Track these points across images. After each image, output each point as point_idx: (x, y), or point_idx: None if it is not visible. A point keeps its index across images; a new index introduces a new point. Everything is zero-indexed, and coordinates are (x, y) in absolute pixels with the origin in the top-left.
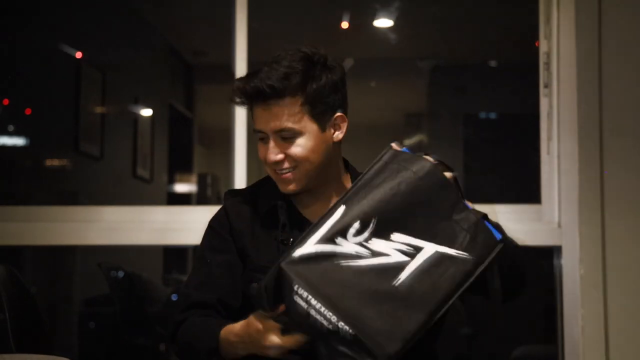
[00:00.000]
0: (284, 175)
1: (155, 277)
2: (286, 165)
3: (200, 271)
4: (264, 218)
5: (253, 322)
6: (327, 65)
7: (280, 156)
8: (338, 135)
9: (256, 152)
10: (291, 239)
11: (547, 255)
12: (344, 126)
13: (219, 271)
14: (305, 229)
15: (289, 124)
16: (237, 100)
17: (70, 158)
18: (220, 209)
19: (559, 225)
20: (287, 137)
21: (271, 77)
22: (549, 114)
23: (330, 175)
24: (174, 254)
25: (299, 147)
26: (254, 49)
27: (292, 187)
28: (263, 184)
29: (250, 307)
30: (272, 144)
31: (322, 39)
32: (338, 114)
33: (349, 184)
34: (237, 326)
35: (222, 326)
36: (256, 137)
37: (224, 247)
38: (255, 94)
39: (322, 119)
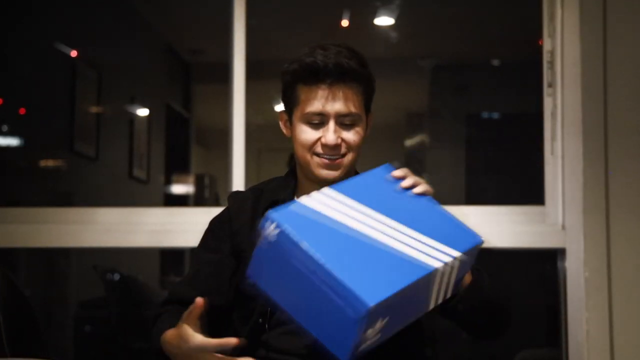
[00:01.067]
0: (336, 161)
1: (152, 280)
2: (341, 151)
3: (190, 269)
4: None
5: (179, 327)
6: None
7: (339, 140)
8: (367, 132)
9: (254, 153)
10: None
11: (550, 258)
12: (370, 126)
13: (206, 269)
14: None
15: (356, 110)
16: (297, 75)
17: (65, 158)
18: (224, 209)
19: (563, 227)
20: (348, 123)
21: (348, 57)
22: (553, 114)
23: (349, 173)
24: (170, 257)
25: (356, 133)
26: (253, 47)
27: (338, 174)
28: (269, 183)
29: (243, 306)
30: (332, 127)
31: (321, 37)
32: (371, 112)
33: None
34: (171, 330)
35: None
36: (301, 119)
37: (217, 246)
38: (334, 71)
39: (368, 112)
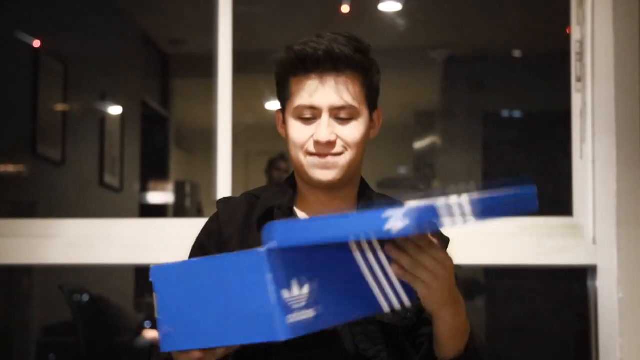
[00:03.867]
0: (332, 160)
1: (126, 302)
2: (336, 150)
3: None
4: (259, 223)
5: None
6: None
7: (334, 137)
8: (375, 132)
9: (242, 156)
10: None
11: (580, 276)
12: (379, 125)
13: None
14: None
15: (352, 102)
16: (287, 67)
17: (26, 163)
18: (213, 217)
19: (594, 242)
20: (344, 117)
21: (342, 43)
22: (582, 112)
23: (353, 179)
24: (147, 275)
25: (354, 130)
26: (241, 36)
27: (333, 176)
28: (265, 189)
29: None
30: (325, 121)
31: (319, 25)
32: (379, 108)
33: (354, 200)
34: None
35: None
36: (293, 115)
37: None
38: (325, 59)
39: (372, 107)
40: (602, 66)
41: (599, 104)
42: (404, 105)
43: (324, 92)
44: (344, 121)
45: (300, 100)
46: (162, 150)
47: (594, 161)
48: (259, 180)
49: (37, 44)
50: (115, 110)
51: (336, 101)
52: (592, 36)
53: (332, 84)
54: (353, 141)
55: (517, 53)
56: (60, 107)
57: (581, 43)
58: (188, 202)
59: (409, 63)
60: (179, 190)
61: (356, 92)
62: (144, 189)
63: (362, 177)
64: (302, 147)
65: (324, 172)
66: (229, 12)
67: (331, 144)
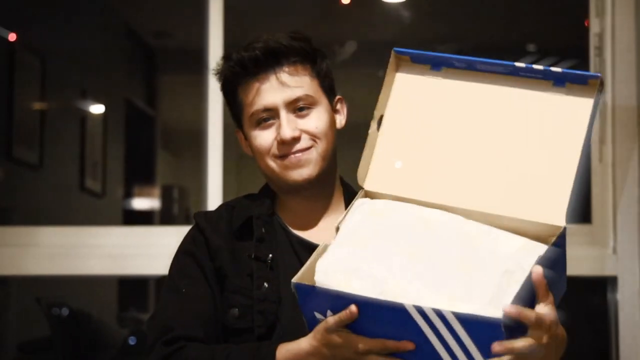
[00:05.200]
0: (301, 157)
1: (108, 316)
2: (303, 144)
3: (175, 303)
4: (240, 234)
5: (329, 337)
6: None
7: (297, 132)
8: (341, 120)
9: (233, 159)
10: (270, 255)
11: (599, 288)
12: (345, 112)
13: (200, 305)
14: (294, 244)
15: (306, 91)
16: (230, 79)
17: (1, 167)
18: (192, 228)
19: (614, 251)
20: (303, 108)
21: (280, 38)
22: (602, 112)
23: (330, 175)
24: (131, 287)
25: (317, 119)
26: (233, 28)
27: (309, 173)
28: (241, 199)
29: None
30: (285, 118)
31: (316, 18)
32: (339, 96)
33: (341, 200)
34: (304, 343)
35: (268, 347)
36: (251, 125)
37: (202, 273)
38: (264, 56)
39: (330, 94)
40: (623, 61)
41: (620, 103)
42: None
43: (273, 89)
44: (303, 113)
45: (253, 106)
46: (147, 153)
47: (614, 165)
48: (252, 185)
49: (12, 37)
50: (97, 109)
51: (289, 94)
52: (612, 29)
53: (281, 79)
54: (319, 130)
55: (531, 47)
56: (37, 105)
57: (600, 36)
58: (176, 209)
59: None
60: (166, 196)
61: (306, 81)
62: (128, 194)
63: (340, 176)
64: (268, 152)
65: (298, 172)
66: (220, 2)
67: (296, 139)
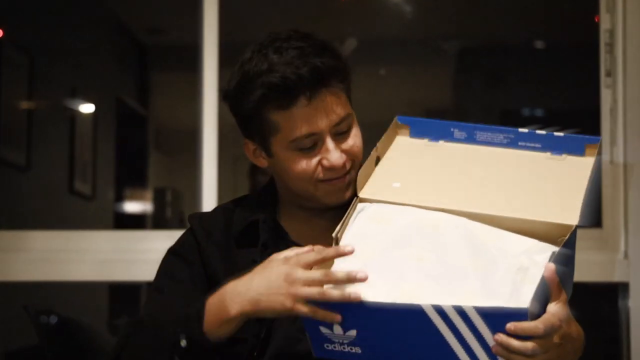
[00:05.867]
0: (345, 179)
1: (99, 324)
2: (347, 166)
3: (155, 303)
4: (240, 238)
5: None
6: None
7: (344, 157)
8: None
9: (230, 160)
10: None
11: (610, 295)
12: None
13: (180, 308)
14: None
15: (347, 111)
16: (264, 101)
17: None
18: (186, 231)
19: (626, 256)
20: (343, 130)
21: (317, 54)
22: (613, 111)
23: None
24: (123, 293)
25: (356, 138)
26: (228, 25)
27: (350, 194)
28: (240, 200)
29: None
30: (332, 144)
31: (316, 14)
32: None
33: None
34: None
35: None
36: (288, 148)
37: (190, 277)
38: (312, 79)
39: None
40: (634, 59)
41: (632, 101)
42: (412, 103)
43: (320, 114)
44: (345, 134)
45: (296, 132)
46: (139, 153)
47: (625, 166)
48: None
49: None
50: (87, 108)
51: (335, 118)
52: (624, 25)
53: (327, 101)
54: (359, 150)
55: (539, 44)
56: (25, 105)
57: (611, 33)
58: (169, 212)
59: (417, 55)
60: (159, 199)
61: (344, 99)
62: (120, 197)
63: None
64: (310, 178)
65: (341, 195)
66: None
67: (345, 164)
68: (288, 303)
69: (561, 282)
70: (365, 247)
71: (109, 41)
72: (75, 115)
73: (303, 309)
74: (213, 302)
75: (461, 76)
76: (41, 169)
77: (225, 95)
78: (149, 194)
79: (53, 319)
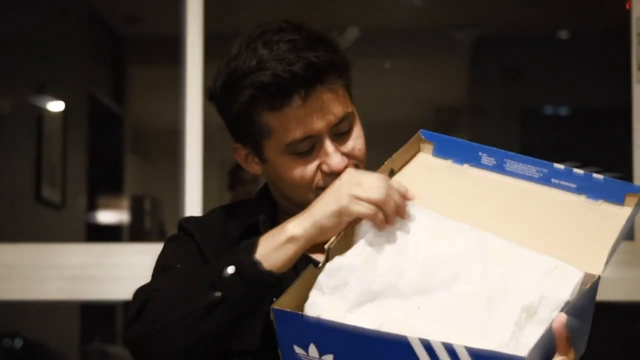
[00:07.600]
0: None
1: (69, 348)
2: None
3: (169, 276)
4: (239, 241)
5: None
6: None
7: (345, 159)
8: None
9: (216, 164)
10: None
11: None
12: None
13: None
14: None
15: (347, 109)
16: (255, 102)
17: None
18: (181, 234)
19: None
20: (344, 131)
21: (312, 46)
22: None
23: None
24: (96, 314)
25: (358, 138)
26: (213, 13)
27: None
28: (238, 204)
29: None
30: (331, 147)
31: (315, 2)
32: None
33: None
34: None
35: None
36: (282, 152)
37: (200, 259)
38: (306, 76)
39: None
40: None
41: None
42: (421, 99)
43: (316, 114)
44: (345, 134)
45: (291, 135)
46: (115, 157)
47: None
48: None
49: None
50: (56, 106)
51: (333, 118)
52: None
53: (322, 100)
54: (362, 152)
55: (563, 34)
56: None
57: None
58: (148, 222)
59: (427, 47)
60: (137, 208)
61: (344, 94)
62: (92, 205)
63: None
64: (309, 185)
65: None
66: None
67: (346, 167)
68: (344, 200)
69: (572, 338)
70: (362, 263)
71: (81, 31)
72: (43, 114)
73: (359, 207)
74: (266, 235)
75: (476, 70)
76: (5, 174)
77: (211, 96)
78: (125, 202)
79: (18, 343)
